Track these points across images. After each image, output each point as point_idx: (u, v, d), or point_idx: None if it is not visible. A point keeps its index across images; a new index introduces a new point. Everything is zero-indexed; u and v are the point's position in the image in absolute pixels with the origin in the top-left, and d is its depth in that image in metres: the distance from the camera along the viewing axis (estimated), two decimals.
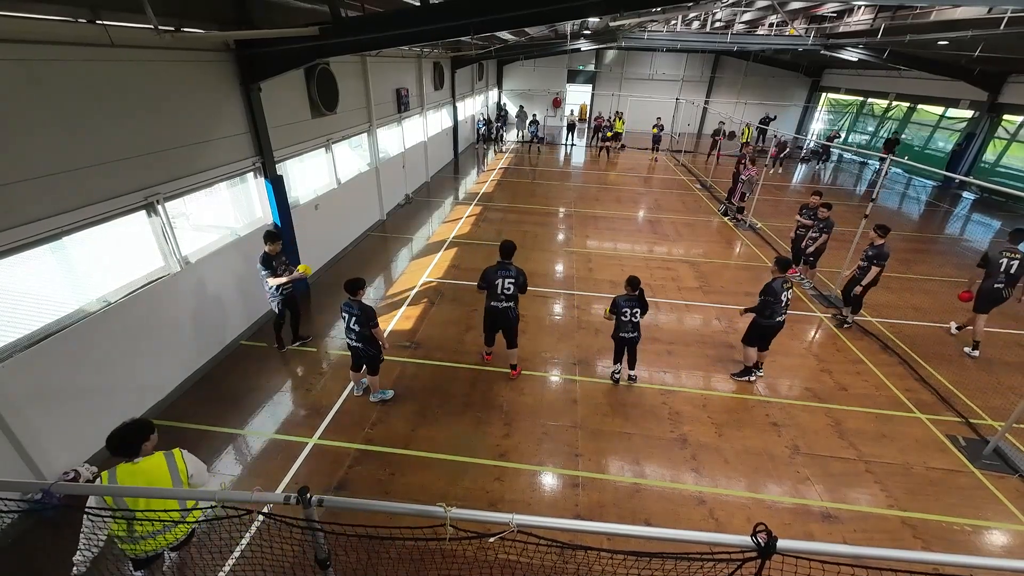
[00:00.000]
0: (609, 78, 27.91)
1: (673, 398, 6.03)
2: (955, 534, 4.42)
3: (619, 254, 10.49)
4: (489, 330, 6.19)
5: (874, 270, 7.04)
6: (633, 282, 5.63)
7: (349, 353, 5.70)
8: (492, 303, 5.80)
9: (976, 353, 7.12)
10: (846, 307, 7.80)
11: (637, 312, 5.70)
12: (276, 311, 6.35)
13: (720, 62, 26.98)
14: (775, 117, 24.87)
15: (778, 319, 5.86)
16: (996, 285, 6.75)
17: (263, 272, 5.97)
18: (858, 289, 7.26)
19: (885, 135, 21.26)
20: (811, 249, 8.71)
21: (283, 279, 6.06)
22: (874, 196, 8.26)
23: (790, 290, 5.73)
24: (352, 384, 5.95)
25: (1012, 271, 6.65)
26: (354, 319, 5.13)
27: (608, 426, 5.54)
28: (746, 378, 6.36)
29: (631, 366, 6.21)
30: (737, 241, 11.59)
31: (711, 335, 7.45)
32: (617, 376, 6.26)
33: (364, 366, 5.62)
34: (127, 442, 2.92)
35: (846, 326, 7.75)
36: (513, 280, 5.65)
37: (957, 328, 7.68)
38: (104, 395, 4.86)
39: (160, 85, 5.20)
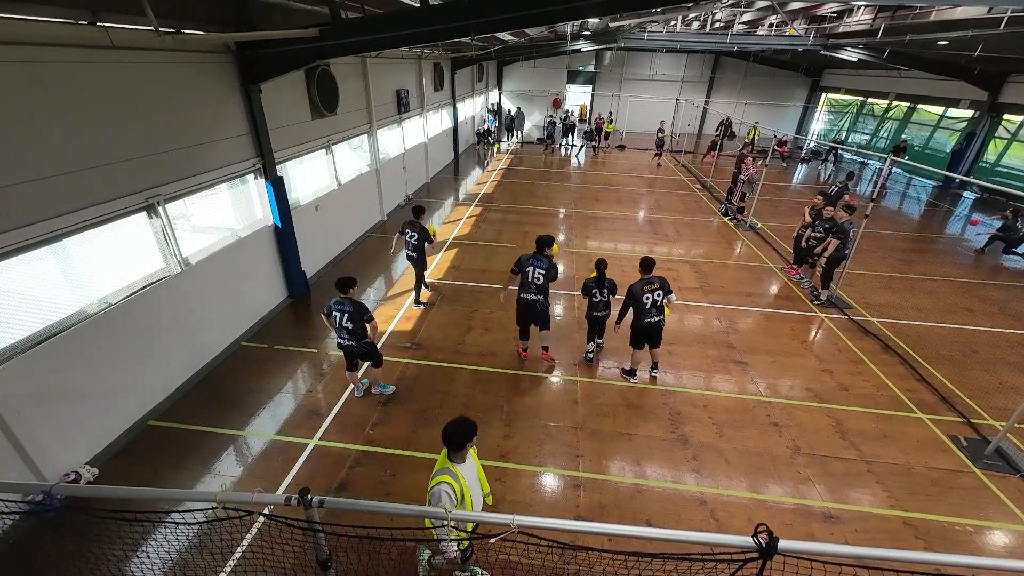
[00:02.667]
0: (609, 79, 27.89)
1: (674, 399, 6.03)
2: (957, 534, 4.41)
3: (620, 254, 10.48)
4: (522, 322, 6.42)
5: (833, 242, 7.92)
6: (599, 265, 6.02)
7: (342, 354, 5.67)
8: (523, 294, 6.08)
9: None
10: (822, 287, 8.49)
11: (606, 292, 6.11)
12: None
13: (720, 62, 26.96)
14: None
15: (646, 320, 5.76)
16: None
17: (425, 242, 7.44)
18: (822, 260, 8.17)
19: (886, 135, 21.25)
20: (826, 256, 8.16)
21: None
22: (874, 196, 8.26)
23: (656, 292, 5.68)
24: (352, 386, 5.95)
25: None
26: (346, 316, 5.14)
27: (609, 427, 5.54)
28: (629, 378, 6.28)
29: (599, 336, 6.70)
30: (737, 241, 11.59)
31: (711, 335, 7.44)
32: (591, 356, 6.68)
33: (363, 364, 5.62)
34: (465, 438, 3.07)
35: (818, 302, 8.39)
36: (544, 272, 5.85)
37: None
38: (105, 396, 4.87)
39: (161, 87, 5.21)
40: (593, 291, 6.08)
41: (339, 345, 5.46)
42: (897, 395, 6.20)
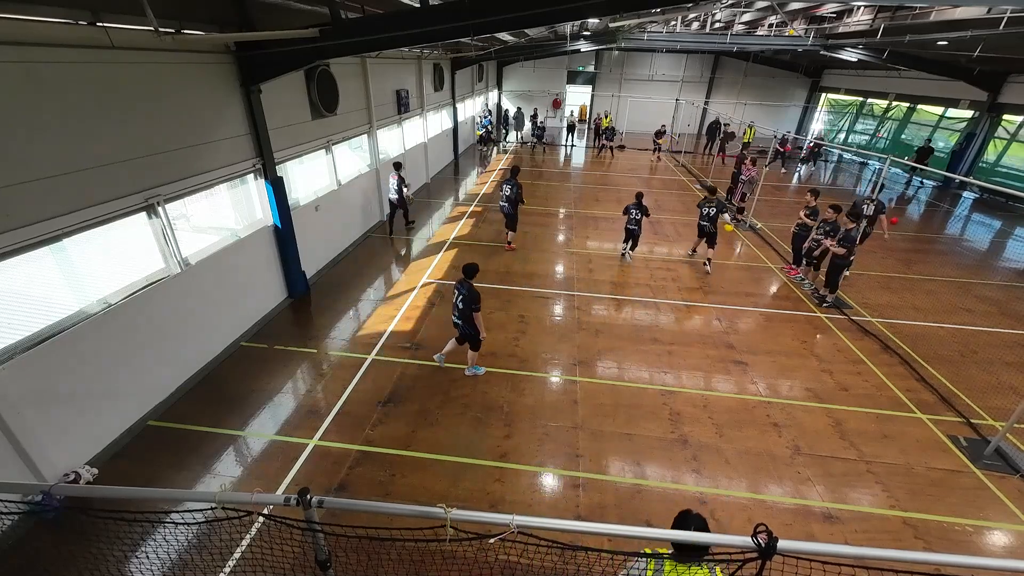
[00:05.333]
0: (609, 79, 27.89)
1: (674, 399, 6.03)
2: (957, 534, 4.41)
3: (619, 254, 10.47)
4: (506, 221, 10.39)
5: (840, 251, 7.94)
6: (637, 196, 9.45)
7: (455, 329, 6.12)
8: (500, 204, 10.16)
9: None
10: (825, 287, 8.50)
11: (639, 214, 9.37)
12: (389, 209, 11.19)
13: (720, 63, 26.96)
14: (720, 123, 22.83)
15: (700, 222, 9.49)
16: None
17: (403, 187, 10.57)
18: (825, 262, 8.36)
19: (886, 135, 21.25)
20: (816, 253, 8.70)
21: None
22: (873, 197, 8.27)
23: (711, 208, 9.20)
24: (437, 355, 6.42)
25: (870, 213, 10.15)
26: (461, 298, 5.77)
27: (609, 427, 5.54)
28: (690, 252, 10.35)
29: (632, 248, 10.01)
30: (737, 241, 11.59)
31: (711, 335, 7.45)
32: (626, 256, 10.06)
33: (467, 343, 6.14)
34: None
35: (825, 304, 8.41)
36: (511, 187, 9.78)
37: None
38: (105, 396, 4.87)
39: (160, 87, 5.21)
40: (632, 211, 9.38)
41: (452, 322, 6.06)
42: (897, 395, 6.21)
